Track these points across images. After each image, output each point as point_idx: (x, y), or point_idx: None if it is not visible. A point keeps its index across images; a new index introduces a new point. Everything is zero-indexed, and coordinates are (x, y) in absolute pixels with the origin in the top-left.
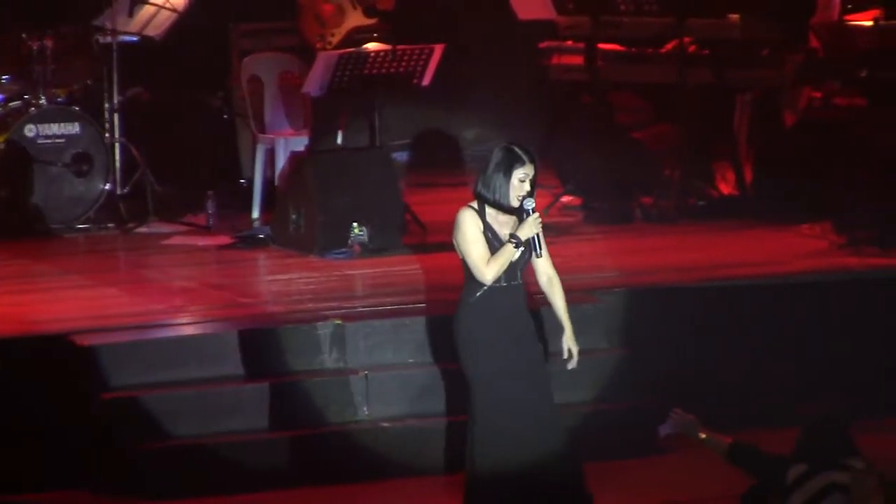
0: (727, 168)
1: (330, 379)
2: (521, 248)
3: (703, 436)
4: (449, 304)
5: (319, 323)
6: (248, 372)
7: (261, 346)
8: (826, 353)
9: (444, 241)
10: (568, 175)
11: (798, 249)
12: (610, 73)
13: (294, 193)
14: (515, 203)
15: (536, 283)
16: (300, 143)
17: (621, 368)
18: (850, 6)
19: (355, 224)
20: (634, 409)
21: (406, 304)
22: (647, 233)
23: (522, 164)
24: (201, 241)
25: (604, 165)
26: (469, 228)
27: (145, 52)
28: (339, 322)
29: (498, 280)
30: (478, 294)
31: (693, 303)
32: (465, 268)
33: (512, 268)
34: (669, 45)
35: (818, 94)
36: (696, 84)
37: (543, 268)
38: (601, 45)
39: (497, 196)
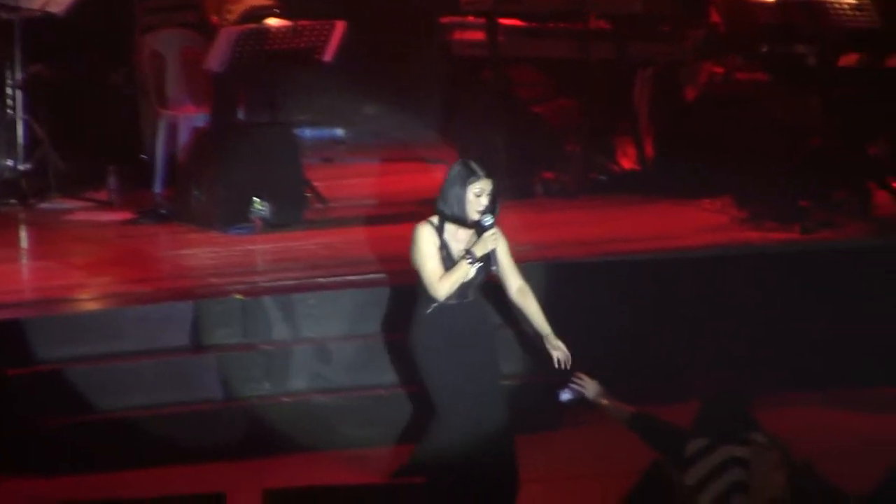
0: (628, 143)
1: (231, 354)
2: (477, 265)
3: (606, 402)
4: (348, 279)
5: (221, 298)
6: (150, 347)
7: (162, 321)
8: (727, 327)
9: (344, 215)
10: (469, 150)
11: (699, 224)
12: (511, 48)
13: (196, 169)
14: (474, 217)
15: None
16: (202, 118)
17: (526, 343)
18: None
19: (256, 199)
20: (541, 383)
21: (307, 278)
22: (549, 208)
23: (478, 178)
24: (103, 217)
25: (505, 140)
26: (424, 244)
27: (47, 28)
28: (240, 297)
29: (450, 297)
30: (429, 310)
31: (594, 277)
32: (418, 282)
33: (464, 286)
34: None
35: (719, 69)
36: (598, 59)
37: (511, 280)
38: (502, 20)
39: (454, 210)
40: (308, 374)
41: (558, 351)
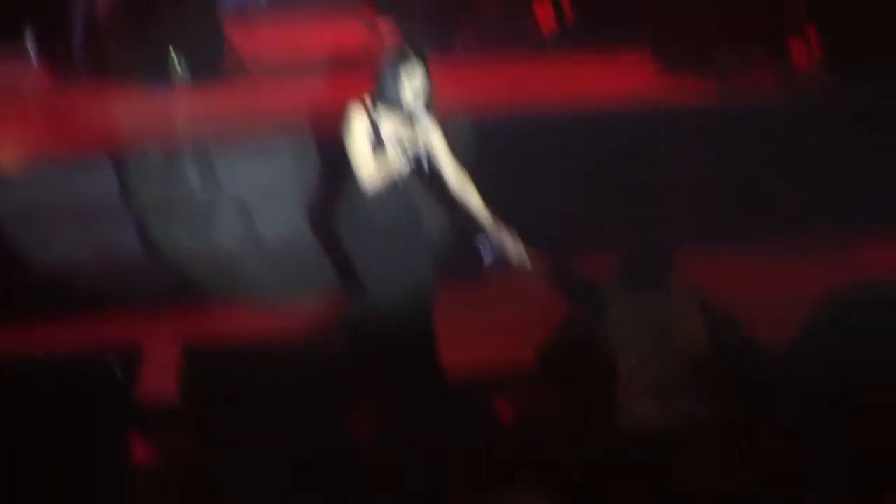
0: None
1: (152, 207)
2: (410, 155)
3: (527, 258)
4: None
5: (143, 153)
6: (71, 201)
7: (83, 175)
8: (646, 180)
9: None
10: (388, 6)
11: (617, 76)
12: None
13: (114, 24)
14: (409, 102)
15: None
16: None
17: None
18: None
19: (174, 54)
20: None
21: (228, 134)
22: (467, 65)
23: (411, 61)
24: (22, 76)
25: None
26: (354, 127)
27: None
28: (158, 151)
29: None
30: (359, 194)
31: (513, 134)
32: (350, 159)
33: (395, 172)
34: None
35: None
36: None
37: (448, 170)
38: None
39: (387, 96)
40: (230, 228)
41: (500, 240)
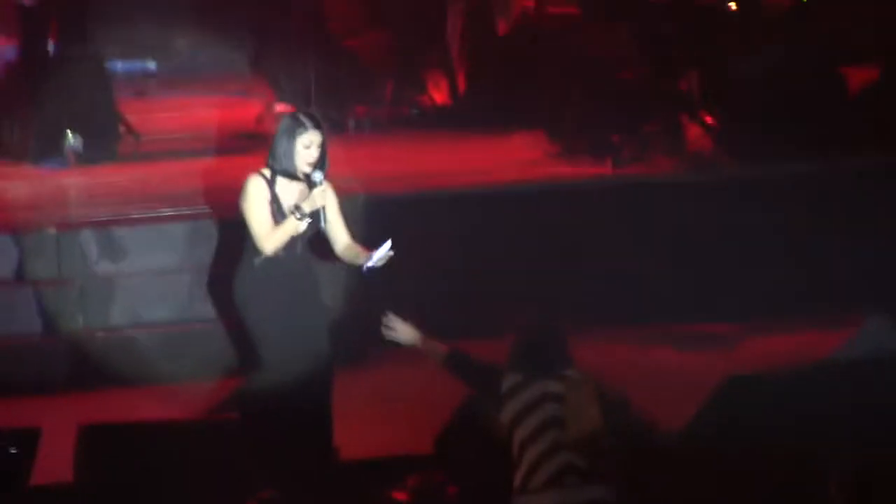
0: (440, 76)
1: (47, 288)
2: (306, 220)
3: (420, 341)
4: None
5: (35, 232)
6: None
7: None
8: (542, 262)
9: (157, 150)
10: (281, 84)
11: (512, 158)
12: None
13: (7, 102)
14: (304, 171)
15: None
16: (13, 50)
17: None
18: None
19: (69, 132)
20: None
21: (121, 213)
22: (362, 142)
23: (305, 129)
24: None
25: (316, 74)
26: (254, 196)
27: None
28: (53, 231)
29: (278, 251)
30: (254, 261)
31: (406, 212)
32: (247, 232)
33: (293, 240)
34: None
35: (531, 3)
36: None
37: (340, 236)
38: None
39: (283, 163)
40: (123, 308)
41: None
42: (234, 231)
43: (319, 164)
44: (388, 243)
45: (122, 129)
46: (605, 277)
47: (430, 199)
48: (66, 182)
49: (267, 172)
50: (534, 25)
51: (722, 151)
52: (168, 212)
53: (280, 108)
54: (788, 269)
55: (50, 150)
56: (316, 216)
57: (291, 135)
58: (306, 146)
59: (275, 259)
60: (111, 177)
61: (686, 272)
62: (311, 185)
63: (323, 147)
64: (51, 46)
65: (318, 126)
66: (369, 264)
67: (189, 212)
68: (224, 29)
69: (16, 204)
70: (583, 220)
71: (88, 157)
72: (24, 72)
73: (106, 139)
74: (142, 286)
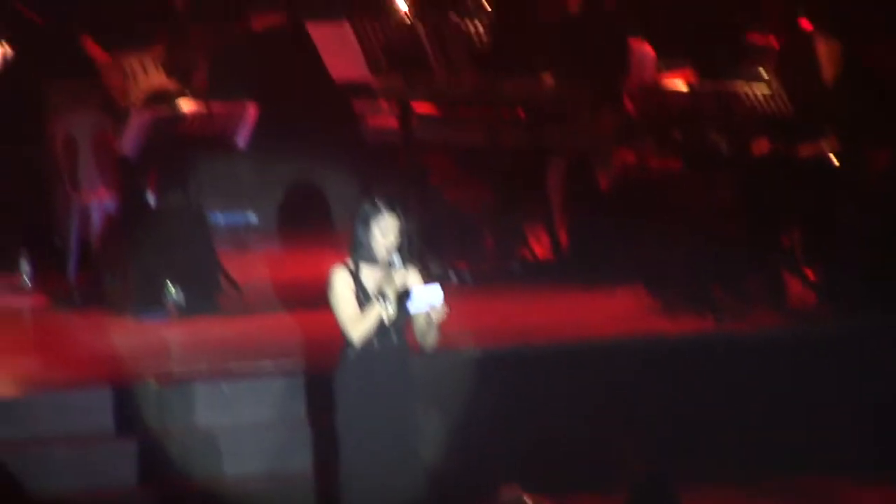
0: (542, 230)
1: (147, 440)
2: (391, 305)
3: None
4: (262, 366)
5: (136, 384)
6: (66, 432)
7: (78, 408)
8: (646, 417)
9: (259, 302)
10: None
11: (612, 313)
12: (424, 135)
13: (109, 254)
14: (383, 256)
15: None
16: (115, 202)
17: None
18: (662, 66)
19: (170, 285)
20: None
21: (221, 365)
22: (462, 296)
23: (381, 215)
24: (16, 303)
25: (418, 228)
26: (338, 286)
27: None
28: (155, 383)
29: (370, 342)
30: (350, 355)
31: (505, 367)
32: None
33: (385, 329)
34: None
35: (632, 156)
36: (510, 145)
37: (419, 318)
38: (415, 106)
39: (363, 251)
40: (223, 460)
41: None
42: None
43: (399, 247)
44: (437, 287)
45: (223, 281)
46: (708, 431)
47: (531, 354)
48: (167, 334)
49: (350, 263)
50: (635, 179)
51: (824, 306)
52: (268, 365)
53: None
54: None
55: (151, 302)
56: (402, 301)
57: (368, 221)
58: (383, 231)
59: (370, 350)
60: (212, 329)
61: (789, 425)
62: (390, 268)
63: (401, 232)
64: (151, 198)
65: (394, 210)
66: (413, 309)
67: (288, 364)
68: (324, 181)
69: (117, 356)
70: (684, 375)
71: (189, 309)
72: (125, 223)
73: (207, 291)
74: (242, 439)
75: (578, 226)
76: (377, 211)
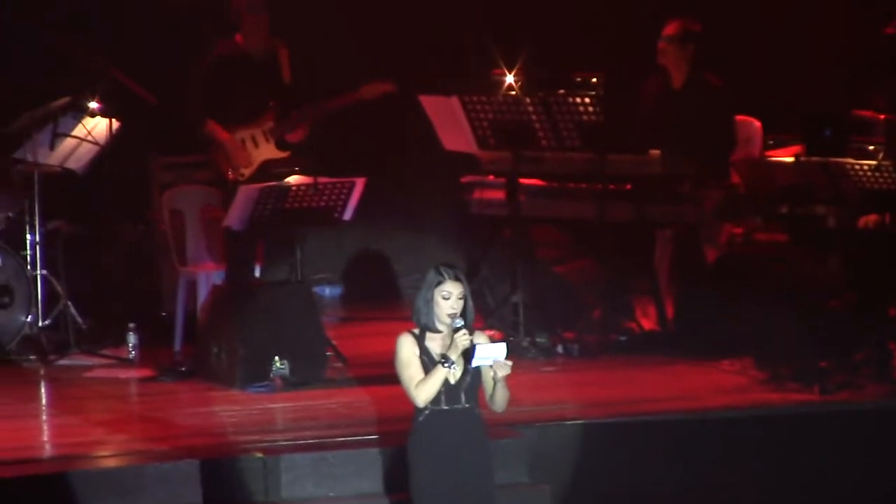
0: (649, 303)
1: None
2: (455, 367)
3: None
4: (368, 438)
5: (242, 456)
6: None
7: (183, 479)
8: (749, 488)
9: (365, 374)
10: (490, 310)
11: (719, 385)
12: (531, 208)
13: (215, 327)
14: (445, 321)
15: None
16: (221, 275)
17: None
18: (771, 142)
19: (277, 358)
20: None
21: (327, 437)
22: (569, 367)
23: (443, 281)
24: (123, 374)
25: (526, 300)
26: (403, 351)
27: (67, 184)
28: (260, 455)
29: (437, 403)
30: (420, 418)
31: (613, 438)
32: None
33: (453, 390)
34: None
35: (739, 230)
36: (617, 219)
37: (489, 387)
38: (522, 180)
39: (426, 315)
40: None
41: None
42: None
43: (461, 312)
44: (502, 344)
45: (329, 353)
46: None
47: (638, 425)
48: (274, 407)
49: (417, 329)
50: (742, 252)
51: None
52: (375, 437)
53: (488, 333)
54: None
55: (257, 374)
56: (467, 363)
57: (431, 287)
58: (445, 297)
59: (438, 412)
60: (318, 401)
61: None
62: (453, 332)
63: (464, 298)
64: (258, 270)
65: (456, 278)
66: (475, 363)
67: (394, 436)
68: (432, 255)
69: (224, 429)
70: (791, 447)
71: (295, 381)
72: (232, 296)
73: (313, 364)
74: None
75: (685, 298)
76: (439, 276)
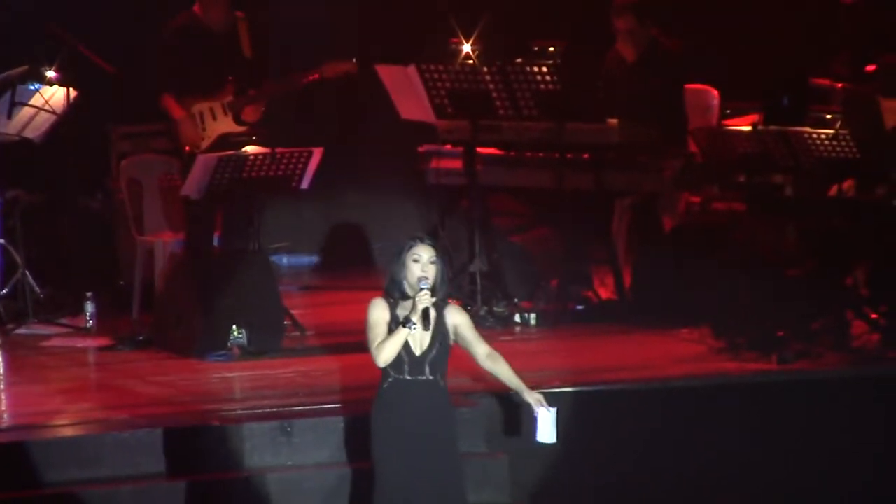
0: (606, 272)
1: (208, 481)
2: (413, 328)
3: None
4: (327, 407)
5: (200, 425)
6: (128, 473)
7: (143, 448)
8: (704, 458)
9: (331, 342)
10: (447, 278)
11: (677, 354)
12: (489, 177)
13: (173, 295)
14: (415, 285)
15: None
16: (179, 244)
17: (498, 472)
18: (728, 111)
19: (235, 326)
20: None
21: (286, 406)
22: (527, 337)
23: (414, 245)
24: (81, 343)
25: (482, 270)
26: (372, 314)
27: (24, 152)
28: (218, 425)
29: (401, 372)
30: (384, 385)
31: (569, 407)
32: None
33: (418, 361)
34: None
35: (697, 199)
36: (575, 188)
37: (478, 348)
38: (480, 149)
39: (397, 279)
40: (285, 502)
41: (535, 399)
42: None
43: (433, 278)
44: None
45: (286, 322)
46: (769, 473)
47: (593, 395)
48: (232, 375)
49: (391, 299)
50: (700, 221)
51: (889, 347)
52: (332, 405)
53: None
54: None
55: (215, 343)
56: (426, 325)
57: (403, 252)
58: (415, 259)
59: (402, 381)
60: (276, 370)
61: (851, 467)
62: (426, 299)
63: (435, 264)
64: (216, 239)
65: (426, 243)
66: (542, 440)
67: (351, 405)
68: (387, 222)
69: (183, 398)
70: (747, 417)
71: (253, 350)
72: (190, 264)
73: (271, 333)
74: (304, 481)
75: (643, 267)
76: (411, 241)
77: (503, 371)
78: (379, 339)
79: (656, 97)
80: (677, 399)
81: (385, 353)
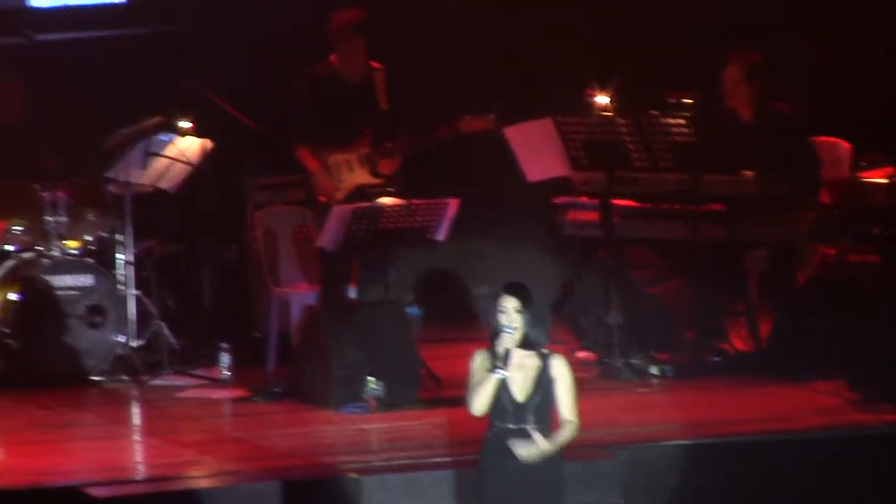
0: (741, 324)
1: None
2: (500, 372)
3: None
4: (461, 459)
5: (335, 477)
6: None
7: (276, 499)
8: None
9: (458, 395)
10: (583, 331)
11: (812, 406)
12: (625, 229)
13: (309, 347)
14: (509, 338)
15: None
16: (314, 296)
17: None
18: (864, 164)
19: (370, 378)
20: None
21: (421, 458)
22: (662, 389)
23: (500, 296)
24: (216, 394)
25: (619, 322)
26: (471, 365)
27: (159, 204)
28: (355, 476)
29: (504, 420)
30: (488, 434)
31: (706, 459)
32: None
33: (520, 409)
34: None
35: (832, 251)
36: (710, 240)
37: (561, 409)
38: (616, 201)
39: (494, 334)
40: None
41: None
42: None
43: (527, 335)
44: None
45: (422, 373)
46: None
47: (731, 447)
48: (368, 427)
49: (491, 349)
50: (835, 273)
51: None
52: (469, 457)
53: (581, 354)
54: None
55: (351, 394)
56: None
57: (495, 304)
58: (501, 310)
59: (505, 431)
60: (411, 422)
61: None
62: (508, 342)
63: (521, 313)
64: (351, 291)
65: (510, 292)
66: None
67: None
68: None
69: (318, 450)
70: (884, 467)
71: (389, 401)
72: (326, 316)
73: (406, 384)
74: None
75: (778, 319)
76: (499, 293)
77: (559, 434)
78: (472, 388)
79: (782, 152)
80: (812, 452)
81: (477, 402)
